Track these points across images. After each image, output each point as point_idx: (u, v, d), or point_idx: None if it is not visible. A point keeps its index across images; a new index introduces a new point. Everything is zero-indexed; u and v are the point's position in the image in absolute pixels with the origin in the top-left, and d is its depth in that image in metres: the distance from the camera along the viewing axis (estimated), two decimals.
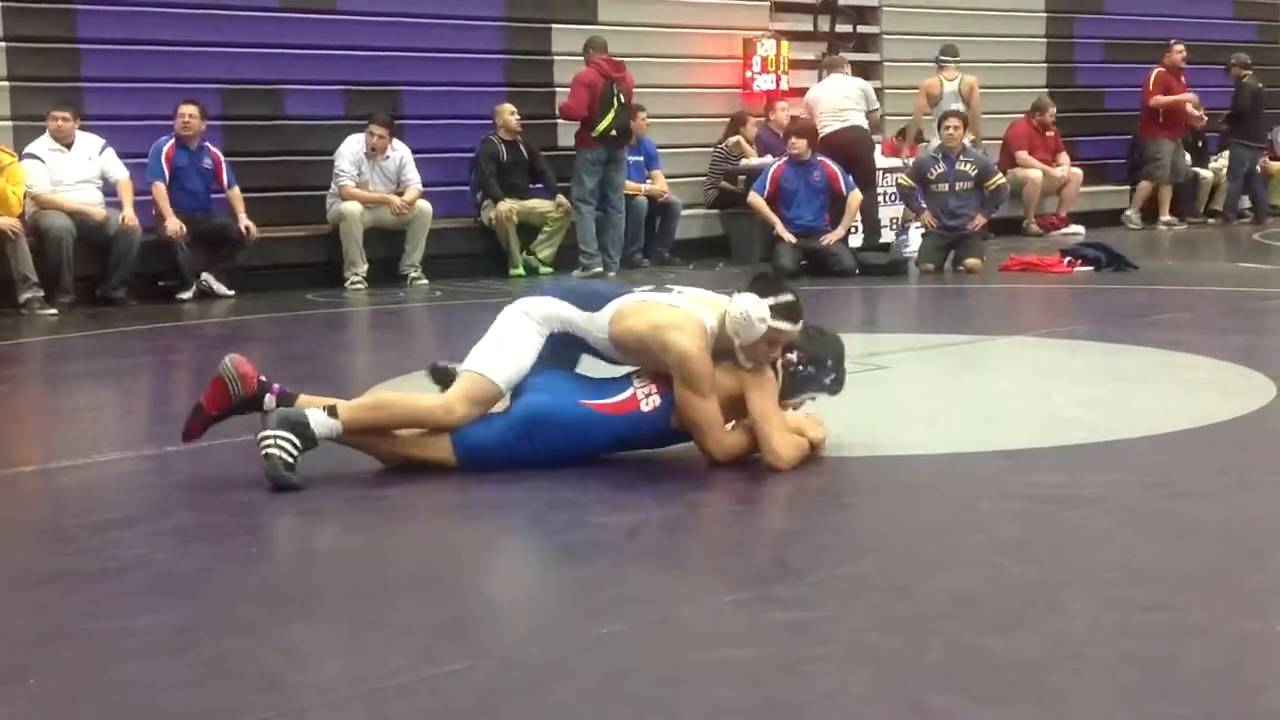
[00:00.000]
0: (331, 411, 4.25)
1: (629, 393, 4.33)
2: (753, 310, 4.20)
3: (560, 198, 10.90)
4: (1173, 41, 14.07)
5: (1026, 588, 3.17)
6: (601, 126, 10.57)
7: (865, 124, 11.17)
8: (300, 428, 4.17)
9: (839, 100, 11.11)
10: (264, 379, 4.37)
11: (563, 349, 4.47)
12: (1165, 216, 14.10)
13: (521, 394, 4.36)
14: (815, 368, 4.38)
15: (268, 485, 4.10)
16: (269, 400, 4.33)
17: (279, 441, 4.13)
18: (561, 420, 4.28)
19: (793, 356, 4.36)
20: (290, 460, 4.12)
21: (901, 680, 2.64)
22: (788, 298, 4.27)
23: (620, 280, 8.16)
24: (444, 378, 4.64)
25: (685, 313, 4.32)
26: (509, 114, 10.91)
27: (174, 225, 9.53)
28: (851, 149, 10.97)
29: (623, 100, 10.57)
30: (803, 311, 4.33)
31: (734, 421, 4.38)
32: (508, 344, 4.40)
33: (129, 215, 9.30)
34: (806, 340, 4.40)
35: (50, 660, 2.83)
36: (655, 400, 4.30)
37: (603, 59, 10.65)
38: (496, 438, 4.28)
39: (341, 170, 10.31)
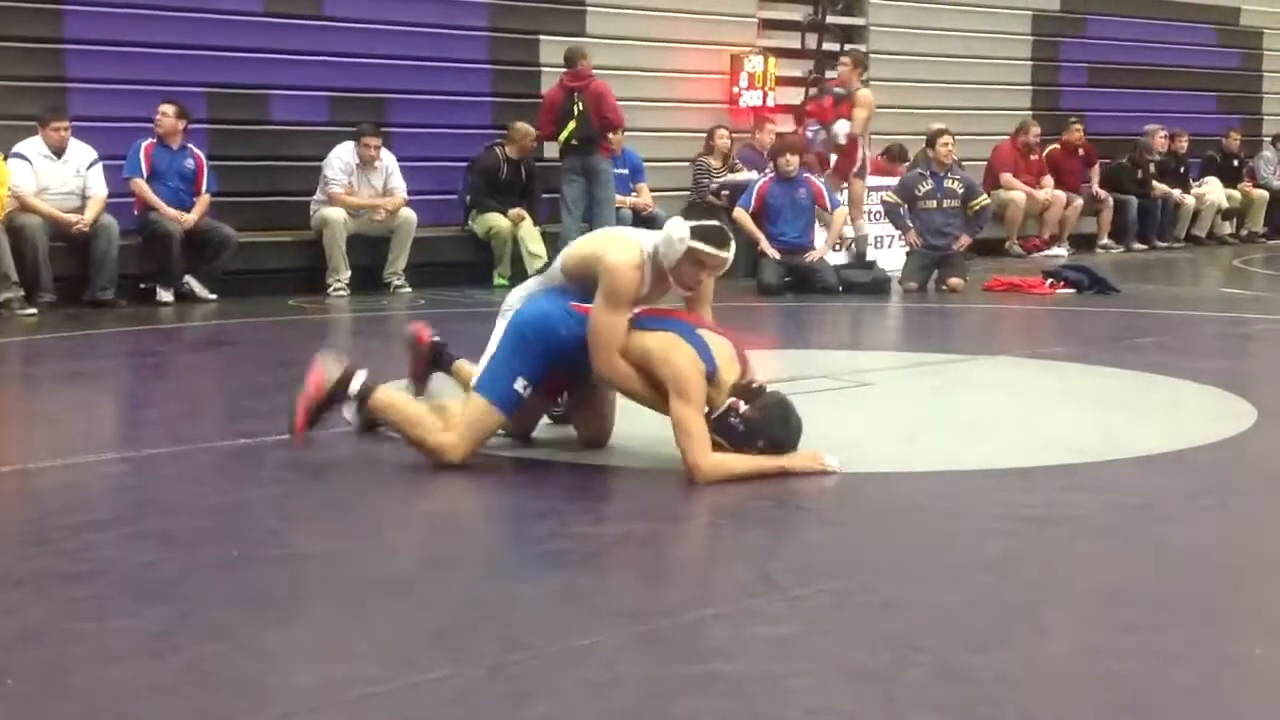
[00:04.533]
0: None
1: None
2: (674, 230, 4.41)
3: (519, 211, 10.85)
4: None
5: (1008, 607, 3.18)
6: (562, 136, 10.68)
7: None
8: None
9: None
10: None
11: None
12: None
13: (527, 302, 4.68)
14: (750, 434, 4.34)
15: (248, 489, 4.09)
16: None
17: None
18: (552, 318, 4.50)
19: (746, 409, 4.34)
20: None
21: (884, 697, 2.63)
22: (712, 223, 4.51)
23: None
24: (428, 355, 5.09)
25: (624, 237, 4.60)
26: (529, 139, 10.92)
27: (171, 213, 9.49)
28: None
29: (582, 109, 10.63)
30: (728, 240, 4.47)
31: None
32: (491, 355, 4.63)
33: (85, 220, 9.20)
34: (759, 407, 4.37)
35: (27, 662, 2.80)
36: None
37: (566, 73, 10.75)
38: (512, 368, 4.47)
39: (331, 178, 10.29)
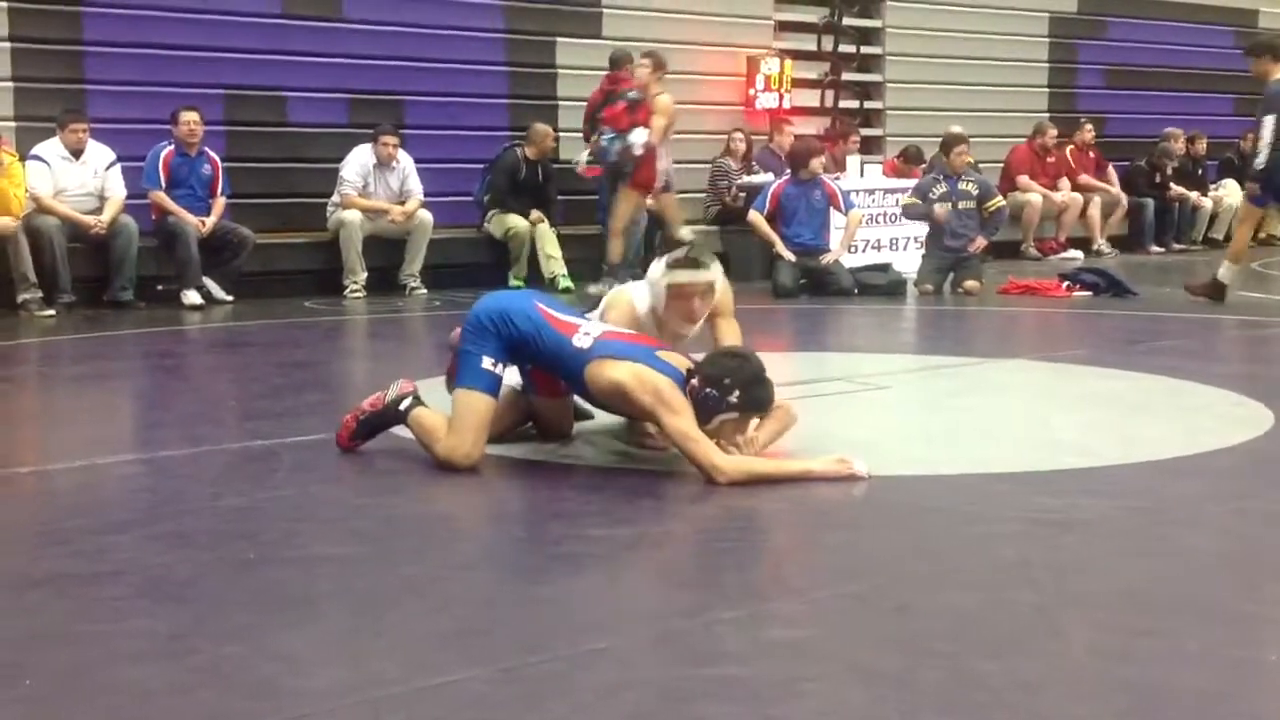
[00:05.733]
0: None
1: (577, 321, 4.53)
2: (652, 273, 4.59)
3: (539, 214, 10.87)
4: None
5: (1024, 611, 3.17)
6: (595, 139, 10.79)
7: None
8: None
9: None
10: None
11: None
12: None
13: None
14: (715, 389, 4.33)
15: (264, 490, 4.11)
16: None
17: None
18: (508, 304, 4.55)
19: (694, 382, 4.35)
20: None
21: (898, 701, 2.63)
22: (680, 252, 4.62)
23: None
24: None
25: (624, 295, 4.89)
26: (549, 140, 10.98)
27: (193, 220, 9.54)
28: None
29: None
30: (702, 261, 4.61)
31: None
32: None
33: (102, 221, 9.23)
34: (708, 362, 4.41)
35: (44, 663, 2.81)
36: (587, 340, 4.41)
37: (606, 75, 10.84)
38: (487, 354, 4.48)
39: (346, 179, 10.32)
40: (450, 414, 4.51)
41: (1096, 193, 14.32)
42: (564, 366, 4.48)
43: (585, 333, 4.46)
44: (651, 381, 4.31)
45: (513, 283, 10.68)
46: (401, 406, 4.65)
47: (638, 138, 10.22)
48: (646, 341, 4.58)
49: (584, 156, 10.70)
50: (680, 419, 4.27)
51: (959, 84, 14.48)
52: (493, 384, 4.49)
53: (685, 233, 10.52)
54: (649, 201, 10.68)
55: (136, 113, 10.09)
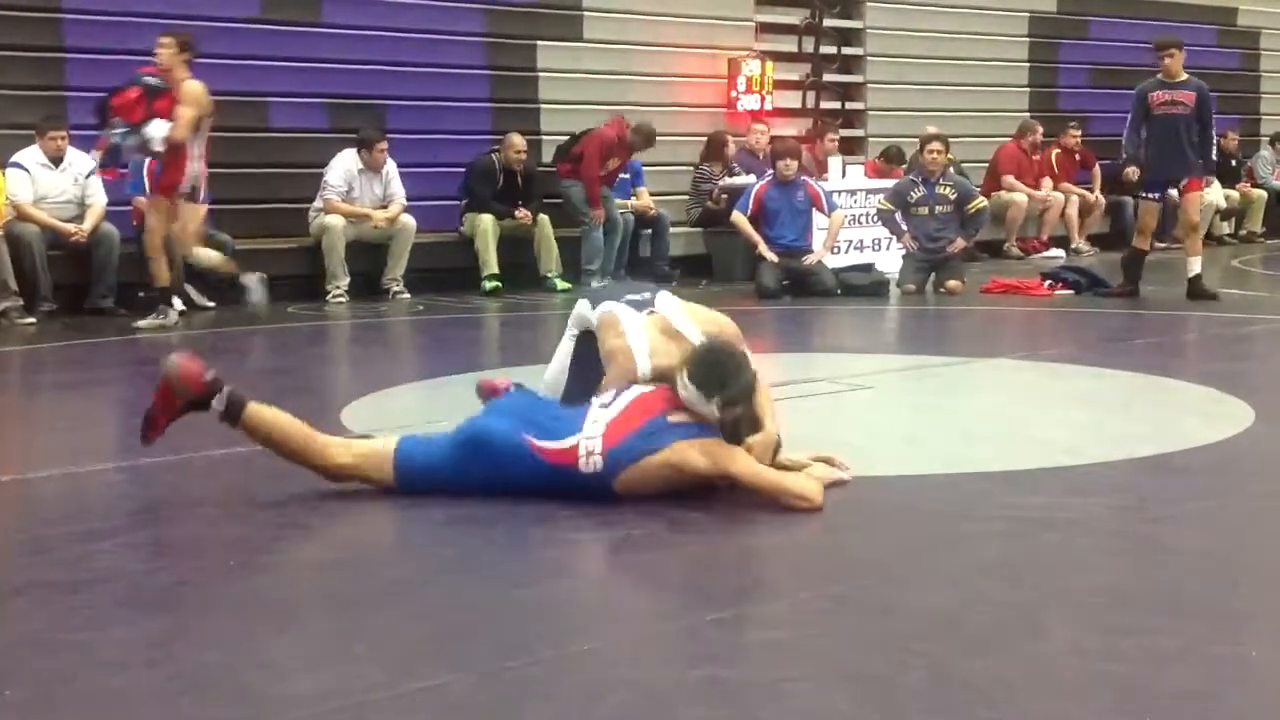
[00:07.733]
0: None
1: (573, 441, 4.09)
2: (702, 409, 4.08)
3: (525, 212, 10.90)
4: None
5: (1007, 609, 3.18)
6: None
7: None
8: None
9: None
10: (211, 379, 4.29)
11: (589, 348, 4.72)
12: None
13: (485, 413, 4.33)
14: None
15: (245, 497, 4.09)
16: (217, 401, 4.28)
17: None
18: (498, 450, 4.10)
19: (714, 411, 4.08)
20: None
21: (882, 701, 2.64)
22: (732, 392, 4.05)
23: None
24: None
25: (626, 347, 4.48)
26: (513, 151, 10.98)
27: (177, 228, 9.48)
28: None
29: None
30: (748, 390, 4.09)
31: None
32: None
33: (84, 230, 9.19)
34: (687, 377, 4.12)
35: (26, 671, 2.80)
36: (598, 462, 4.05)
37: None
38: (438, 456, 4.16)
39: (330, 184, 10.30)
40: (358, 435, 4.39)
41: (1075, 194, 14.41)
42: (583, 492, 4.09)
43: (587, 451, 4.06)
44: (692, 457, 4.04)
45: (490, 285, 10.65)
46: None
47: (156, 131, 8.37)
48: (649, 411, 4.15)
49: (94, 156, 8.85)
50: (742, 462, 4.05)
51: (940, 84, 14.51)
52: (408, 478, 4.15)
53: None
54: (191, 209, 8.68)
55: None
